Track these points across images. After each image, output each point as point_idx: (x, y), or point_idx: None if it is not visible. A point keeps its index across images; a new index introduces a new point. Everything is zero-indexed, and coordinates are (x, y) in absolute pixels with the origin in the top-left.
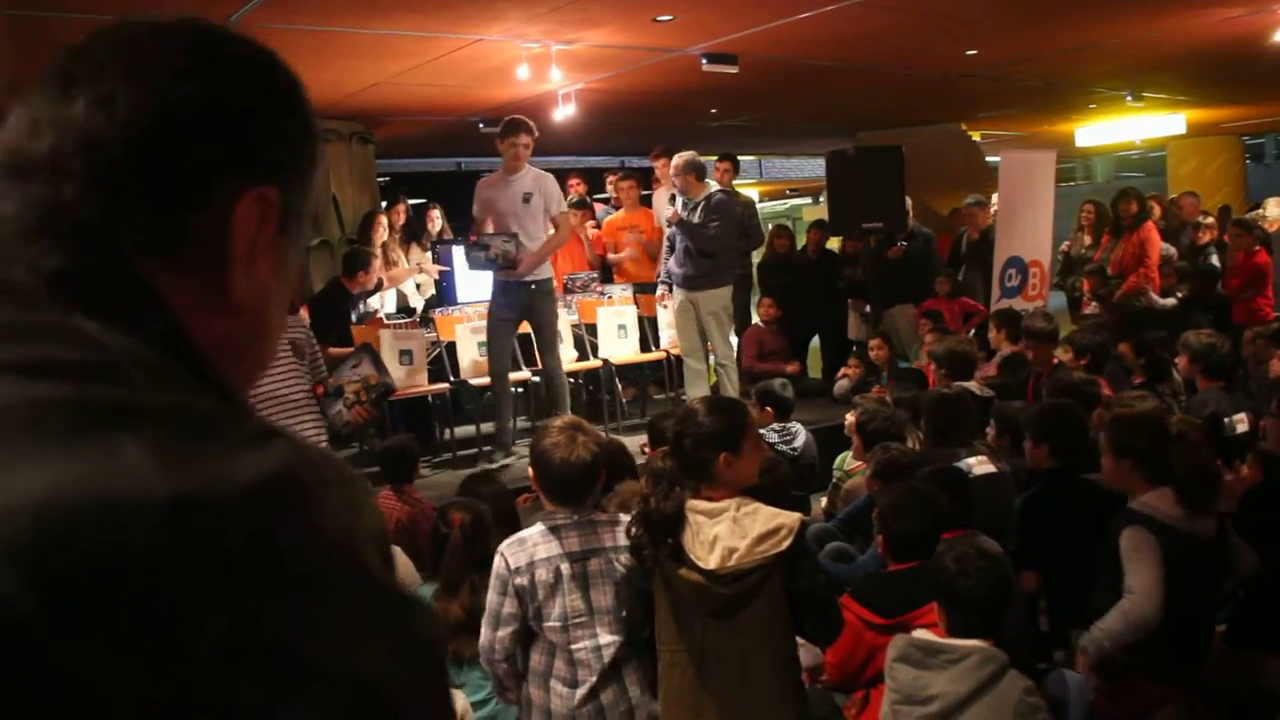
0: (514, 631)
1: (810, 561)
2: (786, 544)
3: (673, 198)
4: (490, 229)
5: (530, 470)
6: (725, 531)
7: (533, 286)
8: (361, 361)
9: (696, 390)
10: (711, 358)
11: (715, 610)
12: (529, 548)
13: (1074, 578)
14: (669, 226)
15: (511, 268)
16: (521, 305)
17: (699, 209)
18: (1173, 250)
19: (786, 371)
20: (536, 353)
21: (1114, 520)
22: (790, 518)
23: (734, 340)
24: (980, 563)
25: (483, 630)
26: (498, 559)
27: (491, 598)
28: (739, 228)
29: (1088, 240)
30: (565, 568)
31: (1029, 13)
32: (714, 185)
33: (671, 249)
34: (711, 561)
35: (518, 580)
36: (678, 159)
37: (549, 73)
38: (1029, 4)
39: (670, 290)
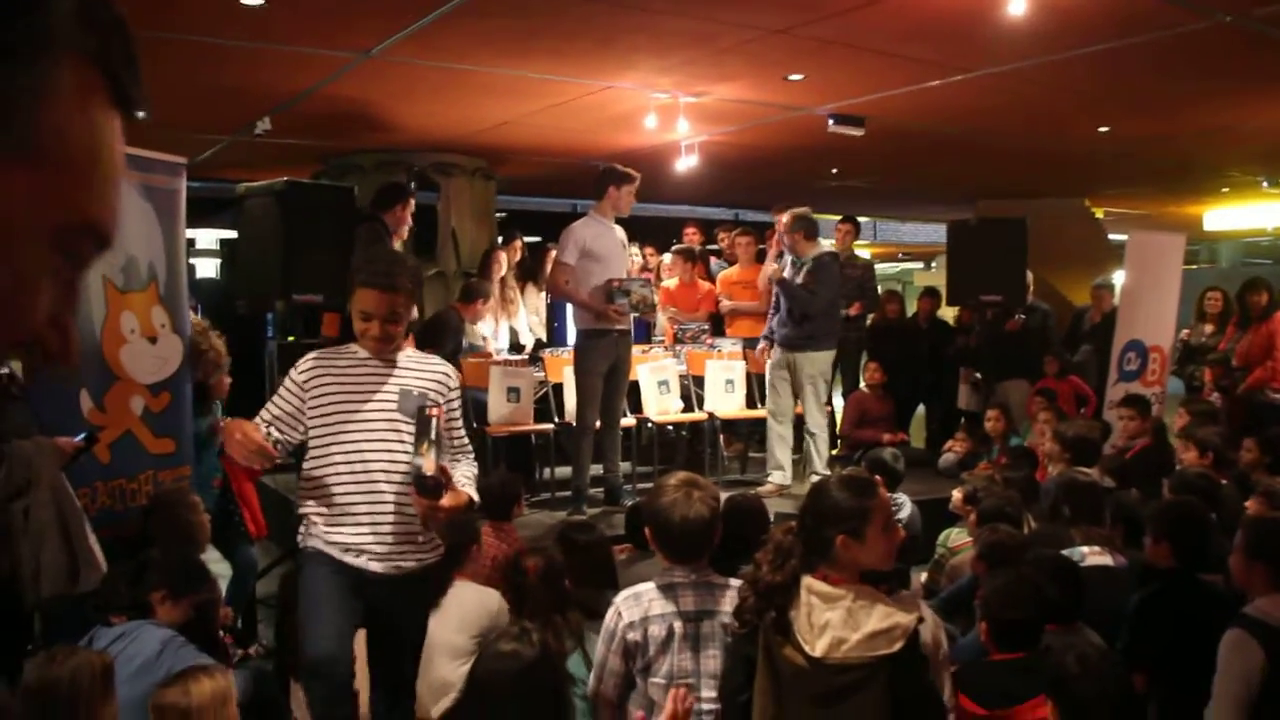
0: (617, 684)
1: (922, 666)
2: (898, 645)
3: (780, 254)
4: (592, 275)
5: (646, 529)
6: (837, 620)
7: (621, 334)
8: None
9: (779, 455)
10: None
11: (814, 697)
12: (644, 603)
13: (1186, 684)
14: (772, 284)
15: (651, 312)
16: (613, 353)
17: (804, 269)
18: None
19: (884, 440)
20: (608, 399)
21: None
22: (907, 618)
23: (828, 408)
24: (1102, 665)
25: (590, 679)
26: (611, 611)
27: (600, 649)
28: (858, 290)
29: (1209, 329)
30: (679, 626)
31: (1166, 92)
32: (825, 245)
33: (777, 307)
34: (818, 648)
35: (631, 635)
36: (787, 216)
37: (676, 124)
38: (1166, 83)
39: (771, 347)
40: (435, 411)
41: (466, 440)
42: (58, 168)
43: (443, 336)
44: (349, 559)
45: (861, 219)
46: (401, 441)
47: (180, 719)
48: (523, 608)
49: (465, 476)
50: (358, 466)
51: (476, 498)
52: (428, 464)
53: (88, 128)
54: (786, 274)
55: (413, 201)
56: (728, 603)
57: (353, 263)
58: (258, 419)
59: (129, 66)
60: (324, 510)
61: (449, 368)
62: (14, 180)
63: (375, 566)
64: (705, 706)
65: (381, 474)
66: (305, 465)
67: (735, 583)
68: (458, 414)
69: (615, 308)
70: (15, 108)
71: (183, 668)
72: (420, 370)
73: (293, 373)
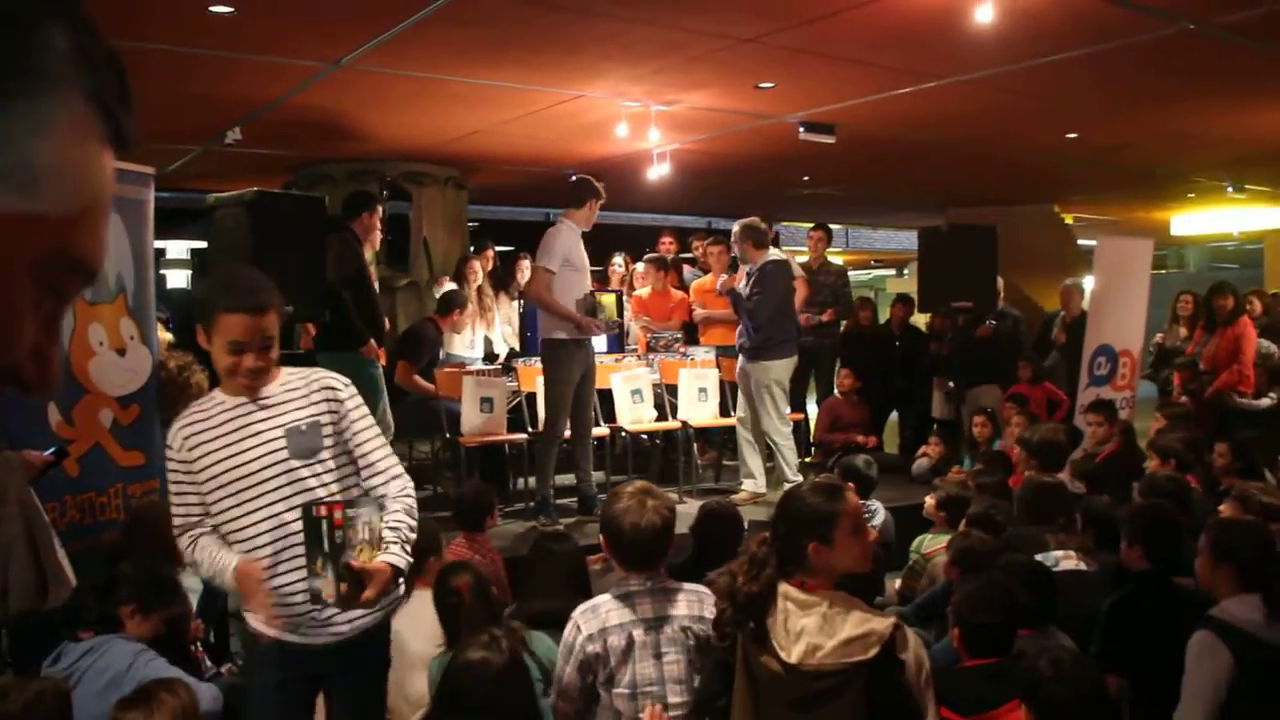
0: (576, 700)
1: (898, 672)
2: (873, 652)
3: (731, 267)
4: (570, 284)
5: (601, 536)
6: (813, 626)
7: (588, 343)
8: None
9: (750, 463)
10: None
11: (790, 703)
12: (602, 614)
13: (1158, 686)
14: (720, 293)
15: (615, 329)
16: (586, 362)
17: (751, 279)
18: (1275, 349)
19: (857, 441)
20: (579, 407)
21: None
22: (883, 624)
23: (798, 415)
24: (1075, 668)
25: (551, 695)
26: (570, 626)
27: (559, 664)
28: (831, 296)
29: (1183, 333)
30: (639, 634)
31: (1133, 99)
32: (773, 254)
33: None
34: (794, 655)
35: (590, 648)
36: (737, 225)
37: (647, 132)
38: (1134, 90)
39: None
40: (322, 510)
41: (387, 454)
42: (51, 204)
43: (419, 349)
44: (290, 637)
45: (833, 226)
46: (310, 490)
47: None
48: (459, 628)
49: (390, 529)
50: (271, 535)
51: (405, 559)
52: (326, 587)
53: (82, 164)
54: (740, 285)
55: (380, 210)
56: (684, 606)
57: (201, 289)
58: (178, 522)
59: (124, 103)
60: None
61: (330, 376)
62: (6, 214)
63: (320, 639)
64: (674, 713)
65: (297, 534)
66: (181, 530)
67: (690, 586)
68: (362, 423)
69: (596, 322)
70: (10, 143)
71: (149, 682)
72: (300, 394)
73: (169, 452)
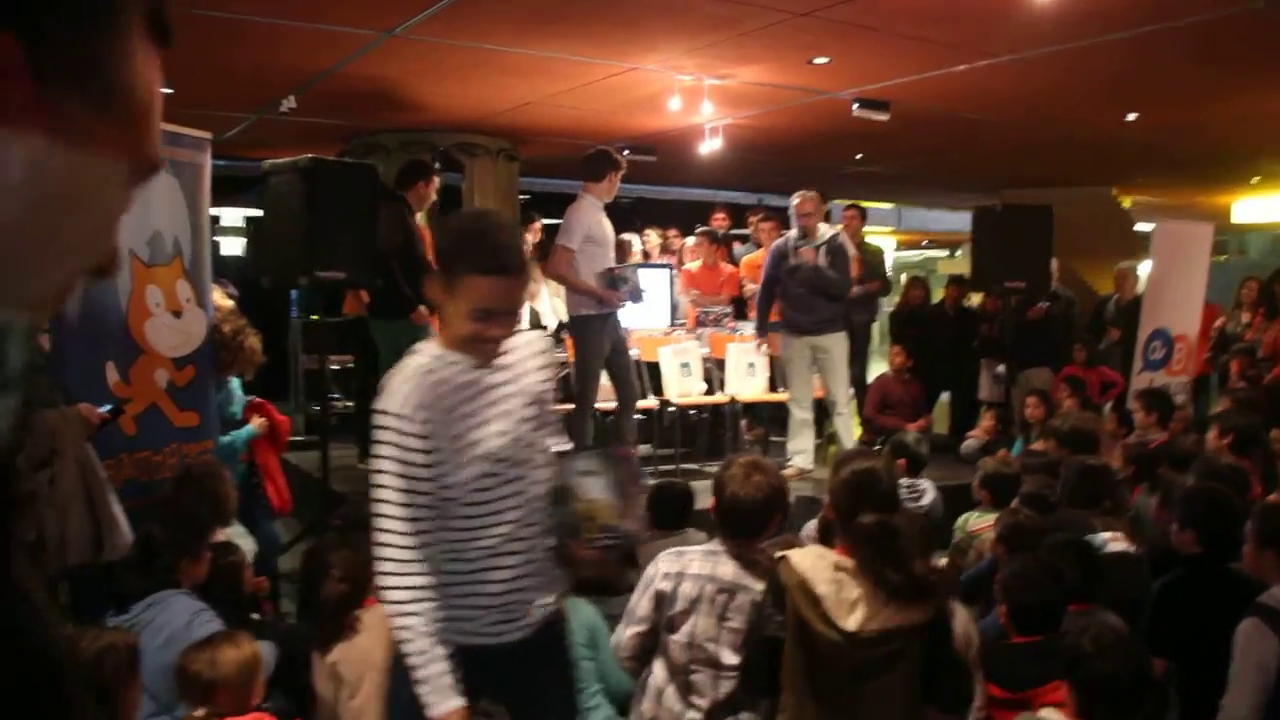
0: (641, 634)
1: (950, 635)
2: (928, 615)
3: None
4: (594, 259)
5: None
6: (867, 592)
7: (614, 316)
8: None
9: (801, 441)
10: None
11: (849, 671)
12: (684, 560)
13: (1207, 671)
14: (795, 265)
15: (640, 299)
16: (614, 335)
17: (821, 250)
18: None
19: (906, 429)
20: (620, 381)
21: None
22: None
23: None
24: (1119, 645)
25: (618, 628)
26: (652, 563)
27: (633, 596)
28: (870, 272)
29: (1246, 318)
30: (710, 591)
31: (1195, 79)
32: (831, 227)
33: (769, 294)
34: (850, 623)
35: (662, 585)
36: (806, 197)
37: (700, 106)
38: (1196, 70)
39: (764, 337)
40: (628, 452)
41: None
42: (133, 118)
43: None
44: (480, 640)
45: (886, 205)
46: (536, 461)
47: (203, 690)
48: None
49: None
50: (516, 513)
51: None
52: (632, 522)
53: (148, 77)
54: (807, 257)
55: (436, 180)
56: (764, 584)
57: (441, 245)
58: (412, 540)
59: (163, 1)
60: (476, 593)
61: (535, 335)
62: (101, 133)
63: (515, 636)
64: (724, 673)
65: (540, 511)
66: (414, 537)
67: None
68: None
69: (618, 294)
70: (98, 68)
71: (215, 633)
72: (525, 355)
73: (401, 424)
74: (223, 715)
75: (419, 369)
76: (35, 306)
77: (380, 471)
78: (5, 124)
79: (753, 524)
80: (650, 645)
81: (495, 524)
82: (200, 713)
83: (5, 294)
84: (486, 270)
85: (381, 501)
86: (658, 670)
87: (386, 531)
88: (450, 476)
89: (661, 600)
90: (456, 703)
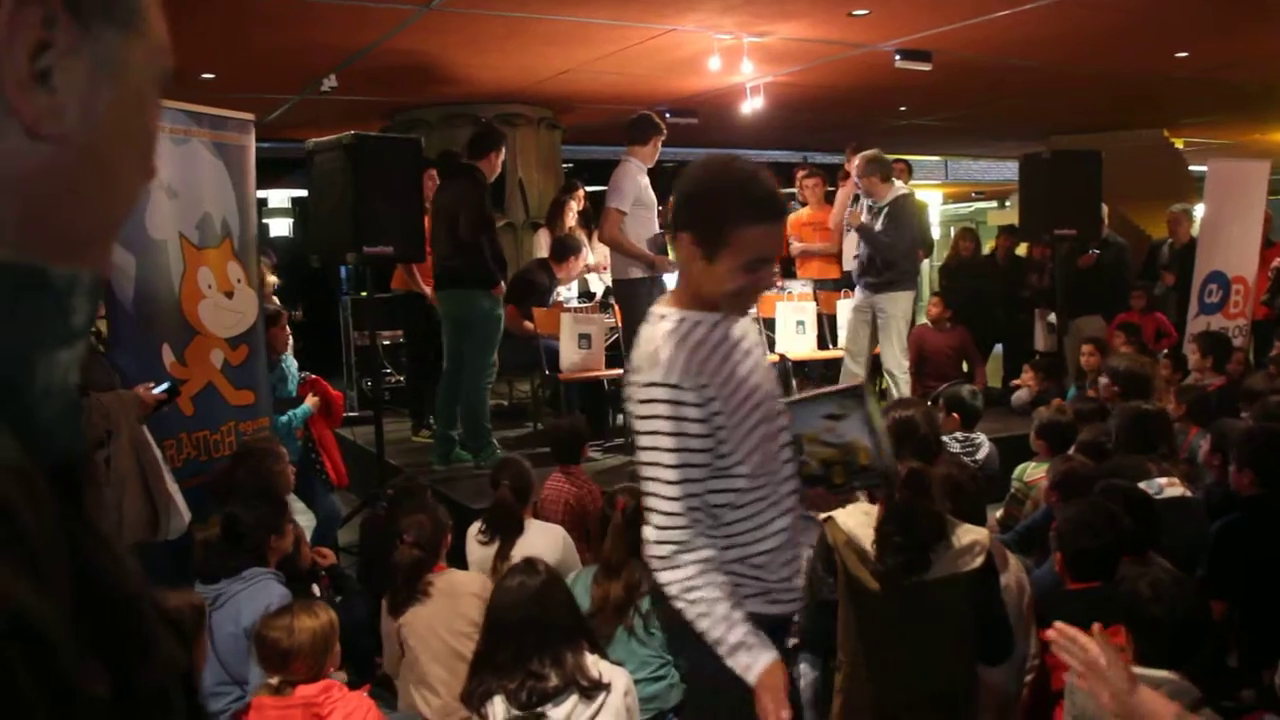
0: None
1: (998, 584)
2: (980, 561)
3: (856, 198)
4: (641, 223)
5: None
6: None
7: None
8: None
9: None
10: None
11: (898, 619)
12: None
13: (1267, 612)
14: (848, 228)
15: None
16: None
17: (882, 213)
18: None
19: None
20: None
21: None
22: (983, 534)
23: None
24: (1176, 589)
25: None
26: None
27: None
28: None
29: None
30: None
31: (1246, 11)
32: (900, 186)
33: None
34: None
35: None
36: (859, 160)
37: (740, 65)
38: (1246, 4)
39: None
40: (861, 386)
41: None
42: (152, 32)
43: (530, 296)
44: (773, 609)
45: (933, 158)
46: (783, 414)
47: (281, 658)
48: (602, 545)
49: None
50: (790, 475)
51: None
52: (888, 457)
53: None
54: (864, 218)
55: (504, 149)
56: (810, 535)
57: (698, 200)
58: (685, 505)
59: None
60: (760, 554)
61: None
62: (135, 50)
63: (791, 604)
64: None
65: (791, 462)
66: (696, 512)
67: (818, 518)
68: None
69: (669, 260)
70: None
71: (294, 601)
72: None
73: (676, 394)
74: (295, 683)
75: (676, 335)
76: (100, 253)
77: (653, 449)
78: (56, 68)
79: None
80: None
81: (771, 479)
82: (275, 680)
83: (71, 244)
84: (759, 218)
85: (656, 481)
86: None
87: (666, 514)
88: (730, 439)
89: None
90: (771, 655)
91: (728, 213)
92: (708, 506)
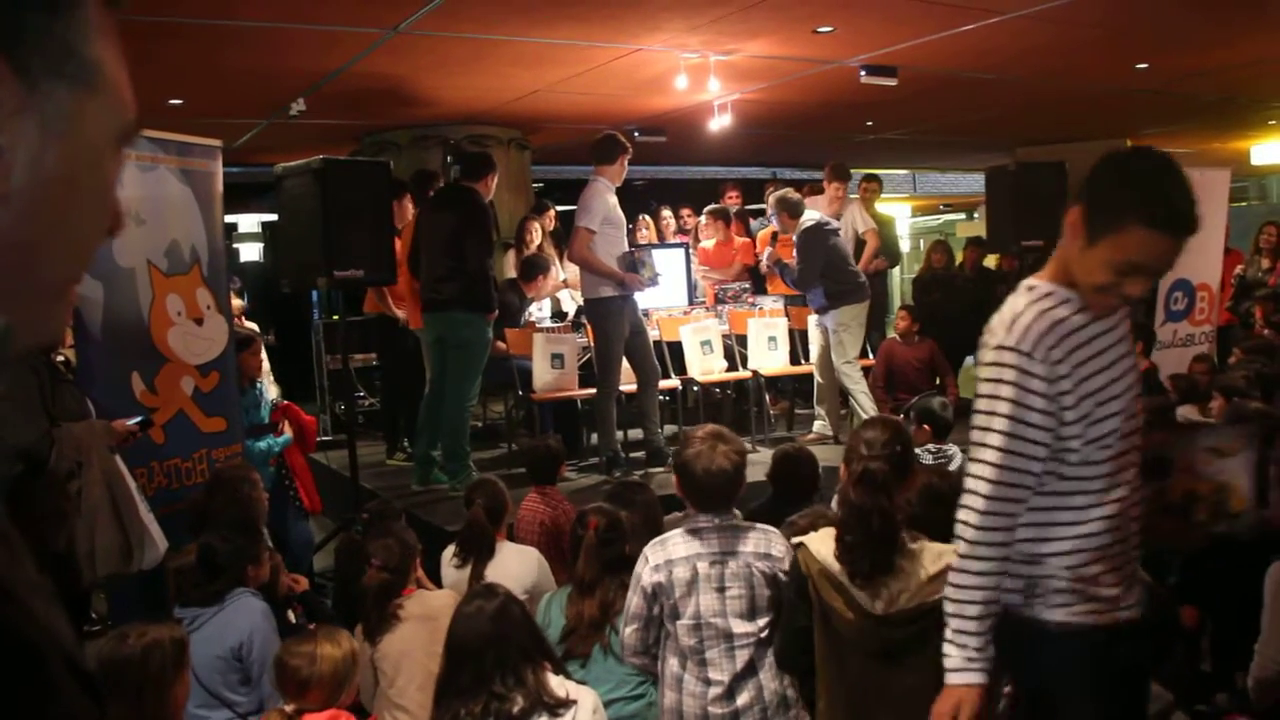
0: (638, 630)
1: None
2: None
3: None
4: (611, 242)
5: (674, 478)
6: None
7: (631, 298)
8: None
9: (825, 405)
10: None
11: (877, 652)
12: (669, 547)
13: (1239, 618)
14: (765, 269)
15: (656, 285)
16: (632, 316)
17: (795, 248)
18: None
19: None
20: (639, 361)
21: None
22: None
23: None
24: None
25: (621, 628)
26: (640, 559)
27: (629, 596)
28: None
29: (1265, 264)
30: (703, 567)
31: (1205, 23)
32: (807, 218)
33: None
34: (878, 606)
35: (655, 578)
36: (771, 199)
37: (707, 83)
38: (1205, 14)
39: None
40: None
41: None
42: (110, 88)
43: (502, 319)
44: (1101, 620)
45: (901, 171)
46: (1137, 432)
47: (299, 686)
48: (575, 566)
49: None
50: (1129, 473)
51: None
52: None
53: (111, 45)
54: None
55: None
56: (751, 544)
57: (1105, 182)
58: (1020, 488)
59: None
60: (1096, 551)
61: None
62: (90, 107)
63: (1129, 611)
64: (737, 644)
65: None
66: (1013, 489)
67: (760, 526)
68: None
69: (639, 277)
70: (73, 49)
71: (317, 627)
72: (1121, 317)
73: (1022, 369)
74: (305, 712)
75: (1039, 306)
76: (46, 299)
77: (990, 413)
78: (2, 129)
79: (727, 495)
80: (652, 638)
81: (1105, 485)
82: (290, 708)
83: (15, 296)
84: (1153, 223)
85: (984, 447)
86: (671, 660)
87: (983, 479)
88: (1073, 423)
89: (658, 592)
90: (976, 679)
91: (1127, 203)
92: (1038, 483)
